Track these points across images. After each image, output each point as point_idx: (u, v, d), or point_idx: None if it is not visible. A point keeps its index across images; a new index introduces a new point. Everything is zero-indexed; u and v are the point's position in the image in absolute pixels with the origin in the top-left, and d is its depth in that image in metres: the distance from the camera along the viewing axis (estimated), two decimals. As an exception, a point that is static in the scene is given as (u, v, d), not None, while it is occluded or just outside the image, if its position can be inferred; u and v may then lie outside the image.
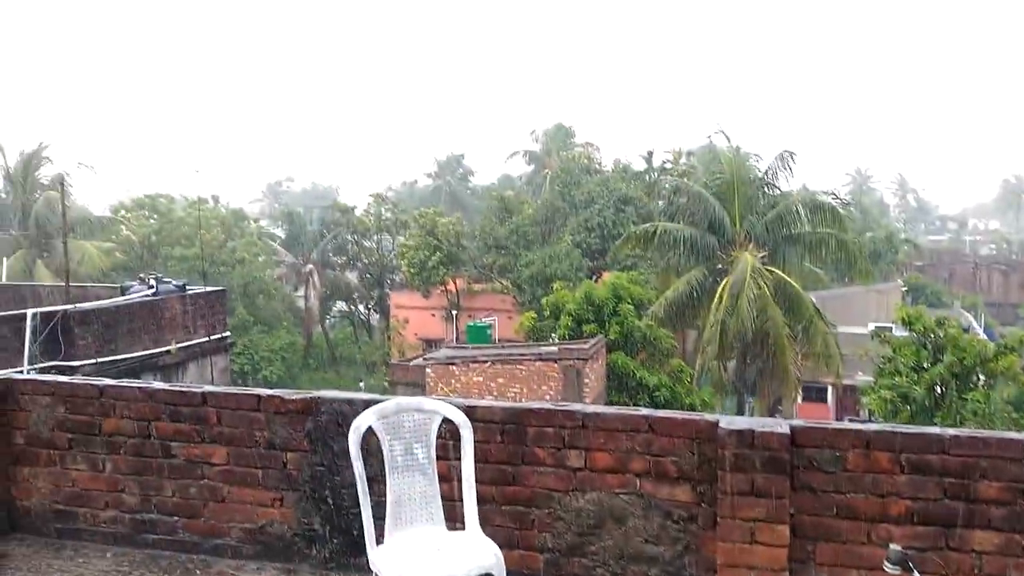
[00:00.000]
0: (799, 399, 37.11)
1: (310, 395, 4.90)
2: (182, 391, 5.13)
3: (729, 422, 4.21)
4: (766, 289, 26.03)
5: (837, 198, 30.93)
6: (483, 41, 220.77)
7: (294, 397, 4.90)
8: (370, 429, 4.01)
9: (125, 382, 5.35)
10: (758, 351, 27.84)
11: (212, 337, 14.93)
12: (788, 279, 27.33)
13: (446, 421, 4.17)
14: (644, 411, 4.44)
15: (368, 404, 4.55)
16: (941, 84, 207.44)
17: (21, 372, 11.36)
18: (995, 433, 4.13)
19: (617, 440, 4.39)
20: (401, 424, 4.07)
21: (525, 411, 4.56)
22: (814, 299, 30.51)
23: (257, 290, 44.68)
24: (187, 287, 15.28)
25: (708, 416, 4.32)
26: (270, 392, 4.98)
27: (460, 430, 4.05)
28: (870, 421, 33.58)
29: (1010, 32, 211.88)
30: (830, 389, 38.06)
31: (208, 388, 5.14)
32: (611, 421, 4.41)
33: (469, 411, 4.41)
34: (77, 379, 5.52)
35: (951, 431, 4.13)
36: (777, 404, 37.59)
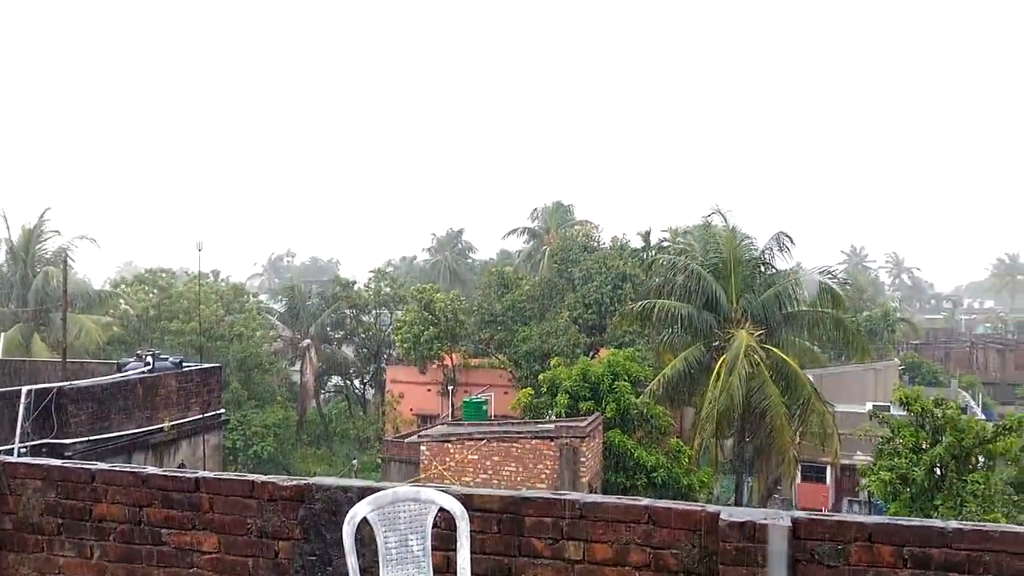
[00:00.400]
0: (798, 479, 36.68)
1: (304, 482, 4.83)
2: (175, 476, 5.06)
3: (730, 514, 4.15)
4: (763, 367, 25.99)
5: (834, 277, 31.09)
6: (485, 119, 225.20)
7: (288, 484, 4.83)
8: (365, 519, 3.96)
9: (118, 467, 5.29)
10: (755, 430, 27.65)
11: (206, 414, 14.81)
12: (785, 357, 27.29)
13: (442, 510, 4.12)
14: (645, 501, 4.38)
15: (364, 492, 4.50)
16: (934, 163, 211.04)
17: (12, 450, 11.23)
18: (998, 526, 4.07)
19: (616, 531, 4.32)
20: (397, 515, 4.02)
21: (523, 500, 4.50)
22: (811, 377, 30.42)
23: (253, 365, 44.43)
24: (183, 364, 15.25)
25: (709, 507, 4.26)
26: (264, 478, 4.91)
27: (456, 522, 3.99)
28: (870, 502, 33.14)
29: (1004, 113, 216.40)
30: (829, 469, 37.63)
31: (201, 474, 5.07)
32: (611, 511, 4.34)
33: (466, 500, 4.36)
34: (69, 463, 5.44)
35: (954, 524, 4.07)
36: (776, 484, 37.05)
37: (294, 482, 4.85)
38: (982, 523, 4.19)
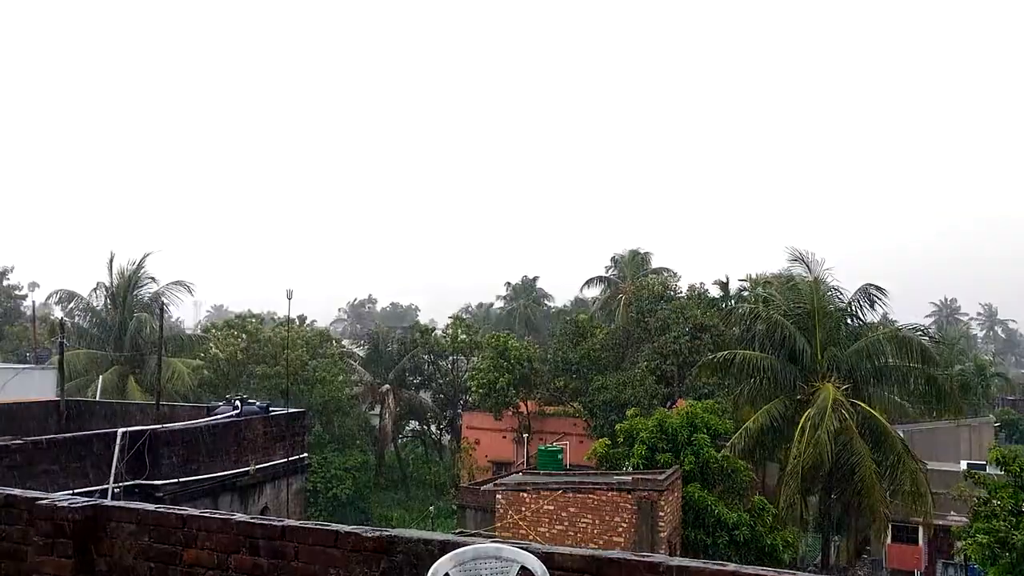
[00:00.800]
0: (888, 539, 35.08)
1: (387, 534, 4.88)
2: (262, 524, 5.17)
3: (819, 584, 4.02)
4: (850, 422, 25.18)
5: (924, 333, 30.06)
6: (563, 165, 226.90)
7: (371, 535, 4.89)
8: (447, 575, 3.98)
9: (208, 512, 5.44)
10: (843, 487, 26.69)
11: (290, 458, 15.15)
12: (873, 412, 26.39)
13: (524, 569, 4.11)
14: (731, 567, 4.27)
15: (444, 546, 4.52)
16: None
17: (107, 490, 11.67)
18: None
19: (701, 598, 4.22)
20: (478, 572, 4.03)
21: (606, 560, 4.44)
22: (901, 433, 29.30)
23: (334, 408, 45.23)
24: (270, 408, 15.66)
25: (799, 575, 4.13)
26: (348, 529, 4.98)
27: (538, 581, 3.97)
28: (966, 566, 31.43)
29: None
30: (921, 530, 35.89)
31: (288, 522, 5.17)
32: (696, 576, 4.25)
33: (547, 558, 4.32)
34: (162, 508, 5.62)
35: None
36: (865, 544, 35.53)
37: (377, 534, 4.90)
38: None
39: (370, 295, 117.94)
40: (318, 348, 47.71)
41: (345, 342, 62.49)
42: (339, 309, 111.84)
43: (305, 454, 16.51)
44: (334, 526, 5.07)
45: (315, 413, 41.85)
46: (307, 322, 57.93)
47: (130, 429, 12.13)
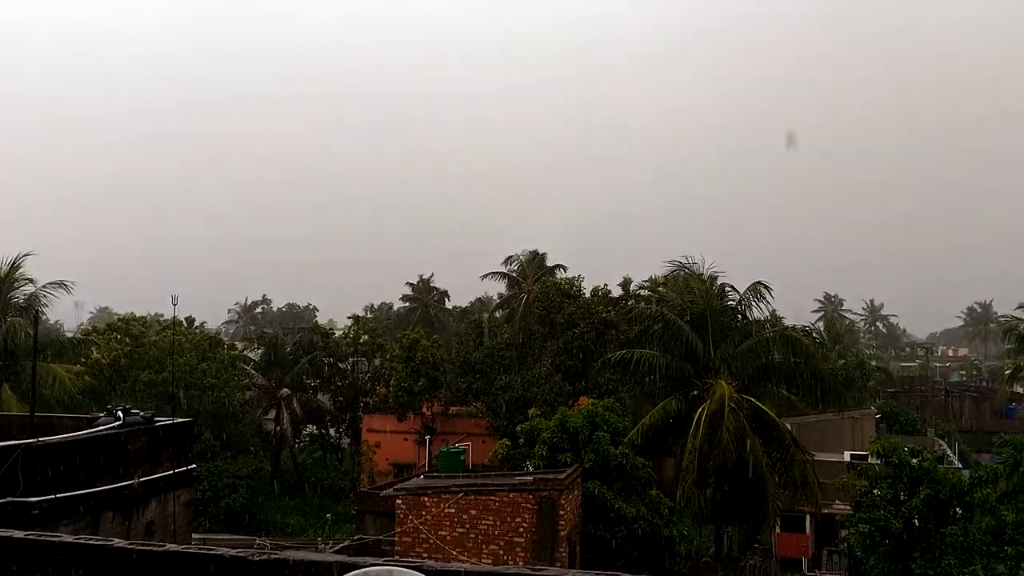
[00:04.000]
0: (778, 528, 36.46)
1: (275, 557, 4.70)
2: (141, 549, 4.91)
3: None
4: (742, 417, 26.03)
5: (808, 332, 31.38)
6: (463, 168, 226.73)
7: (258, 559, 4.70)
8: (338, 599, 3.84)
9: (83, 539, 5.13)
10: (736, 480, 27.56)
11: (177, 470, 14.53)
12: (763, 407, 27.34)
13: (418, 588, 4.01)
14: (621, 578, 4.29)
15: (340, 568, 4.38)
16: (907, 211, 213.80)
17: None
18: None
19: (596, 609, 4.22)
20: (370, 595, 3.90)
21: (500, 576, 4.40)
22: (789, 426, 30.48)
23: (226, 415, 43.69)
24: (155, 418, 15.01)
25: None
26: (233, 553, 4.77)
27: (432, 602, 3.88)
28: (850, 553, 32.98)
29: (979, 164, 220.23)
30: (808, 518, 37.43)
31: (169, 547, 4.93)
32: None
33: (441, 576, 4.25)
34: (32, 534, 5.26)
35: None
36: (755, 533, 36.87)
37: (264, 557, 4.71)
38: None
39: (264, 295, 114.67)
40: (208, 352, 45.90)
41: (238, 344, 60.60)
42: (229, 310, 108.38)
43: (193, 465, 15.89)
44: (220, 550, 4.85)
45: (205, 420, 40.39)
46: (195, 325, 55.85)
47: (1, 444, 11.39)
